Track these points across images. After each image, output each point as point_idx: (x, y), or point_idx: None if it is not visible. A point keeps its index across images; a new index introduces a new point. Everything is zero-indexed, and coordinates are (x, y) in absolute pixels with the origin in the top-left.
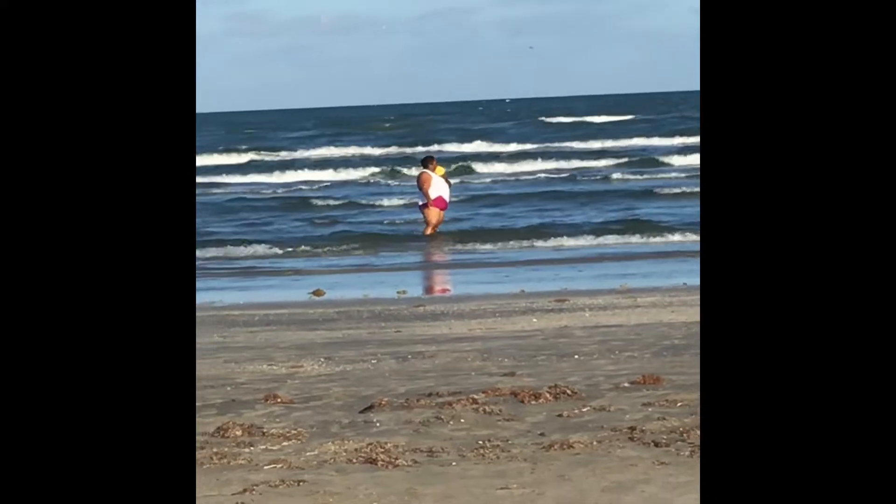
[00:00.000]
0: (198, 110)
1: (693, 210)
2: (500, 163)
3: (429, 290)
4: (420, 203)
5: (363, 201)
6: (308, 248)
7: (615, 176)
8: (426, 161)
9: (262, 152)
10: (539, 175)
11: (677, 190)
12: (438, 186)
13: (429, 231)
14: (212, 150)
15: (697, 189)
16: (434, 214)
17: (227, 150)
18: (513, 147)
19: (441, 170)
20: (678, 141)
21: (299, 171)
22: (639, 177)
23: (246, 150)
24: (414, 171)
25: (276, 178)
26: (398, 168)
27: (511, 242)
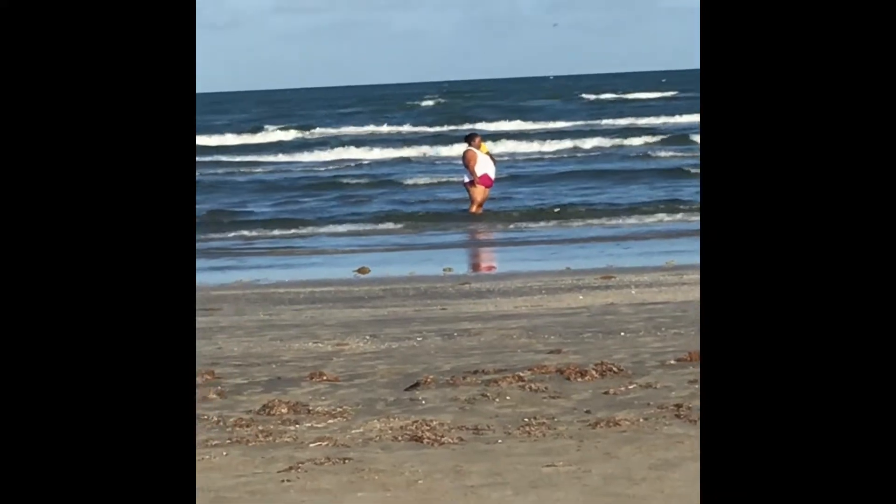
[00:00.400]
0: (240, 88)
1: None
2: (540, 140)
3: (475, 267)
4: (465, 181)
5: (405, 180)
6: (351, 227)
7: (659, 154)
8: (470, 138)
9: (304, 130)
10: (579, 153)
11: None
12: (483, 164)
13: (474, 209)
14: (250, 127)
15: None
16: (480, 192)
17: (266, 128)
18: (554, 125)
19: (485, 147)
20: None
21: (339, 150)
22: (678, 154)
23: (286, 128)
24: (454, 150)
25: (317, 156)
26: (437, 146)
27: (554, 221)
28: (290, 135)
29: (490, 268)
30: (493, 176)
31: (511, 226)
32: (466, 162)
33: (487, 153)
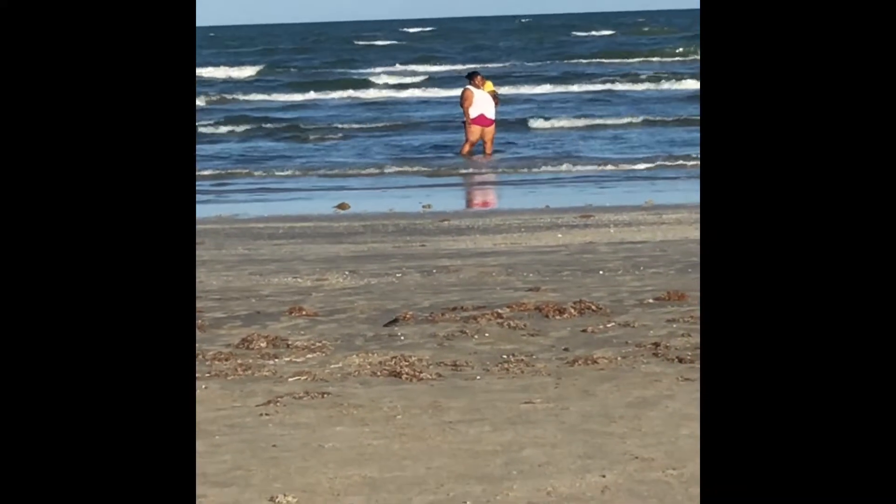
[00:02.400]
0: (208, 23)
1: None
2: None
3: (469, 203)
4: (462, 121)
5: (380, 123)
6: (330, 168)
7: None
8: (471, 76)
9: (275, 69)
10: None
11: None
12: (481, 104)
13: (466, 149)
14: (218, 63)
15: None
16: (475, 132)
17: (238, 64)
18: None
19: (489, 85)
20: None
21: (312, 92)
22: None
23: (255, 64)
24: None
25: (292, 97)
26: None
27: (544, 167)
28: (256, 70)
29: (484, 203)
30: (491, 116)
31: (492, 167)
32: (462, 102)
33: (491, 92)
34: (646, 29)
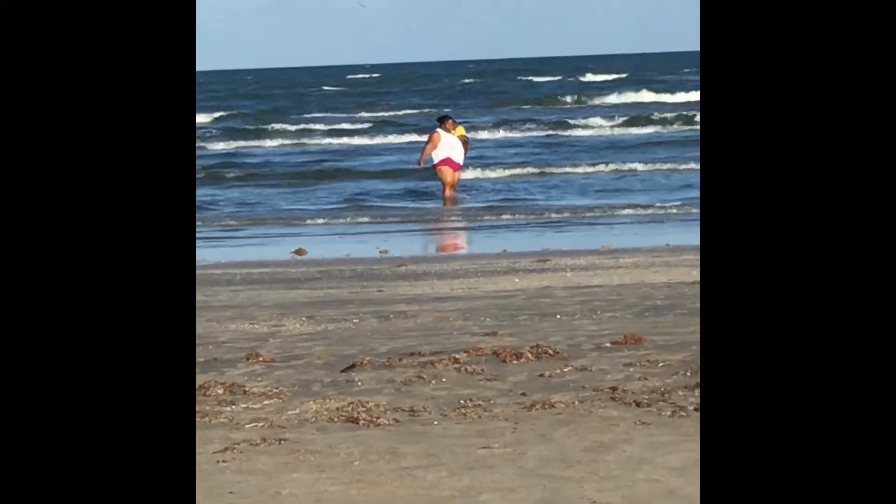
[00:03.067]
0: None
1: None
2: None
3: (441, 248)
4: (432, 164)
5: (337, 165)
6: (292, 214)
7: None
8: (442, 119)
9: (233, 113)
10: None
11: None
12: (447, 147)
13: (448, 192)
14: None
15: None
16: (446, 174)
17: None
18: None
19: (461, 130)
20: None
21: (275, 139)
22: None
23: (223, 116)
24: (388, 139)
25: (255, 142)
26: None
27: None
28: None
29: (455, 247)
30: (458, 160)
31: (451, 210)
32: (427, 145)
33: (462, 136)
34: (589, 76)
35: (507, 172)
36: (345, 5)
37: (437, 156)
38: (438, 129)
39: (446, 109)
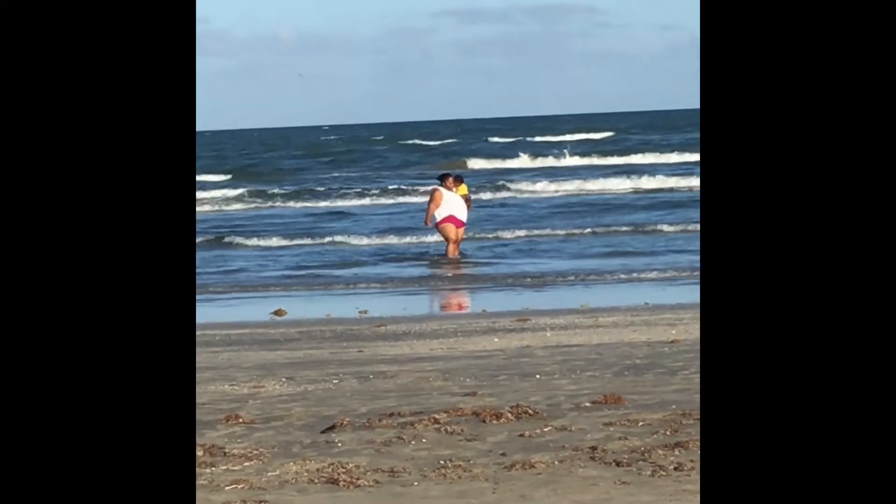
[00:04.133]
0: None
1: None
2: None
3: (445, 306)
4: (434, 222)
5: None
6: (267, 279)
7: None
8: (442, 178)
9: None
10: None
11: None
12: (450, 205)
13: (451, 249)
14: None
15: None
16: (450, 230)
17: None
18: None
19: (464, 188)
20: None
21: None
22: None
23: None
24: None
25: (228, 205)
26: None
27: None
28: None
29: (460, 306)
30: (461, 217)
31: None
32: (429, 202)
33: (465, 195)
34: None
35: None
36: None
37: (440, 214)
38: (439, 188)
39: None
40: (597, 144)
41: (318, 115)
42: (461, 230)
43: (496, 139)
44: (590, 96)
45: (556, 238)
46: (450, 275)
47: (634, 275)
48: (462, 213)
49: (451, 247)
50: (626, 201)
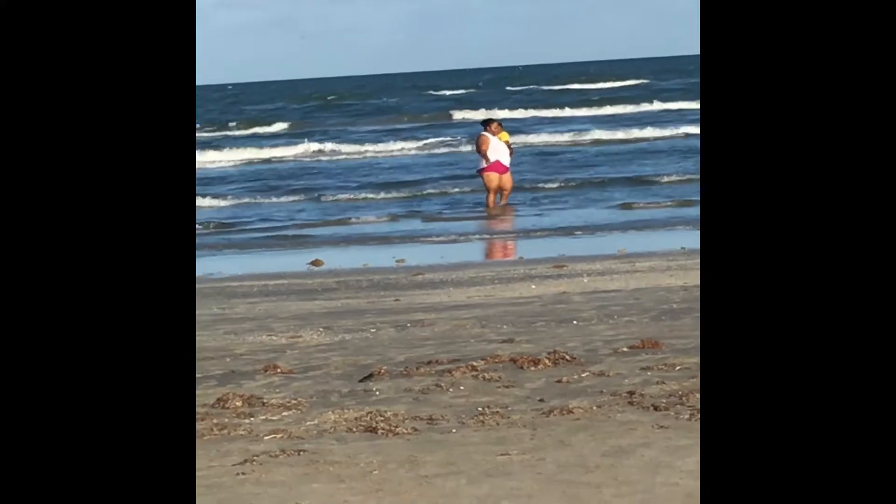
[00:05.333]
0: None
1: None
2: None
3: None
4: (477, 168)
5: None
6: (302, 221)
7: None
8: (486, 123)
9: (266, 125)
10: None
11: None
12: (496, 149)
13: (491, 197)
14: (214, 125)
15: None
16: (492, 180)
17: (230, 124)
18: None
19: (505, 135)
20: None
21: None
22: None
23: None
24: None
25: (284, 150)
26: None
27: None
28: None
29: (506, 253)
30: (506, 163)
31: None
32: (478, 146)
33: (506, 142)
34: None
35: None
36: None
37: (489, 157)
38: (484, 133)
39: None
40: (626, 90)
41: (348, 66)
42: (505, 176)
43: (516, 87)
44: (623, 43)
45: (591, 185)
46: (490, 224)
47: (670, 221)
48: (506, 159)
49: (492, 196)
50: (659, 147)
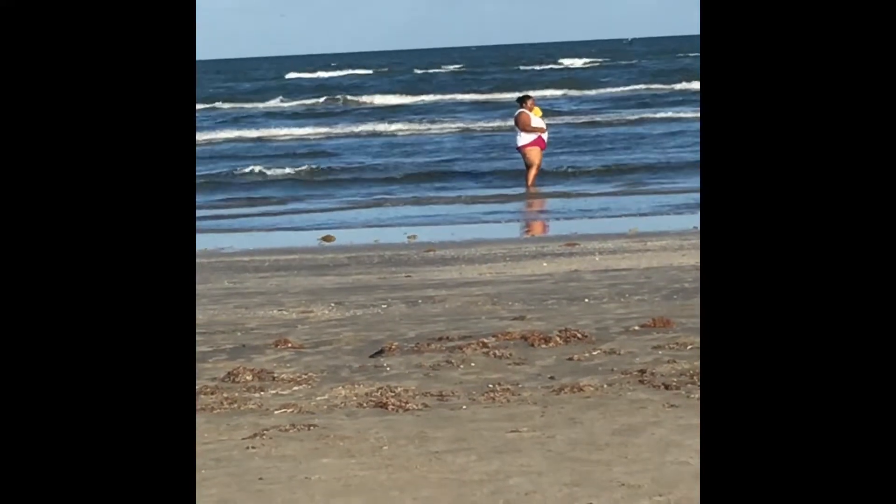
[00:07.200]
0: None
1: None
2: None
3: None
4: (518, 144)
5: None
6: (318, 192)
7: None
8: (522, 99)
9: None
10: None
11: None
12: (537, 126)
13: (533, 172)
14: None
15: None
16: (536, 154)
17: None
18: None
19: (538, 111)
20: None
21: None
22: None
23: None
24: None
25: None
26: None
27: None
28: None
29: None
30: (546, 138)
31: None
32: (522, 124)
33: (541, 117)
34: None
35: None
36: None
37: (529, 137)
38: (523, 110)
39: None
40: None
41: (360, 42)
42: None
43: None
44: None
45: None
46: (527, 202)
47: (684, 200)
48: (545, 134)
49: (533, 172)
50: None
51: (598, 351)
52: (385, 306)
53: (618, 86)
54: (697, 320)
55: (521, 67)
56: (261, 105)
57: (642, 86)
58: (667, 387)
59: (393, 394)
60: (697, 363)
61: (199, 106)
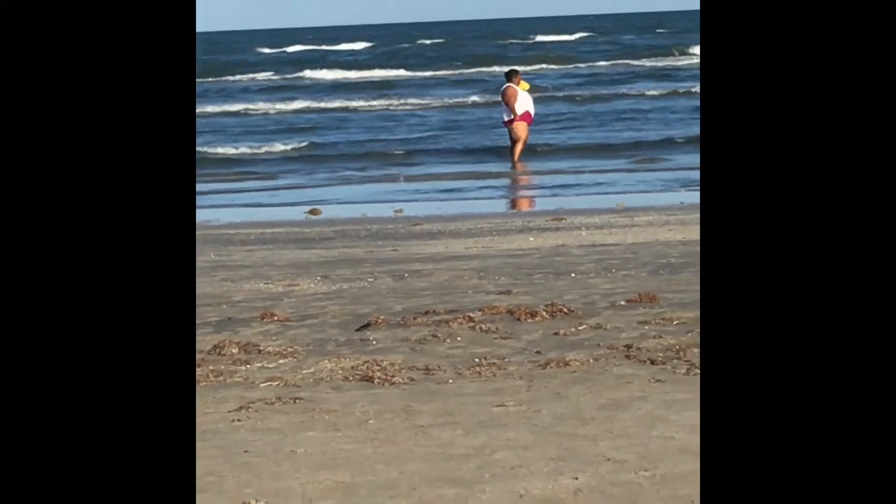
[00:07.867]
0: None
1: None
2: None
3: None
4: (505, 119)
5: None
6: (303, 167)
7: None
8: (510, 74)
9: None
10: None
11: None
12: (524, 100)
13: (520, 147)
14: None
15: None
16: (523, 129)
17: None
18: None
19: (526, 85)
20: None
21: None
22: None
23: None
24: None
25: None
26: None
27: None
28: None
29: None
30: (533, 113)
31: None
32: (507, 99)
33: (528, 91)
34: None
35: None
36: None
37: (519, 109)
38: (510, 84)
39: None
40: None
41: (352, 15)
42: (528, 127)
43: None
44: None
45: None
46: (513, 178)
47: (668, 176)
48: (532, 108)
49: (519, 147)
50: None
51: (585, 326)
52: (371, 280)
53: (599, 60)
54: (683, 296)
55: (503, 41)
56: (244, 78)
57: (626, 60)
58: (653, 362)
59: (379, 367)
60: (684, 338)
61: None
